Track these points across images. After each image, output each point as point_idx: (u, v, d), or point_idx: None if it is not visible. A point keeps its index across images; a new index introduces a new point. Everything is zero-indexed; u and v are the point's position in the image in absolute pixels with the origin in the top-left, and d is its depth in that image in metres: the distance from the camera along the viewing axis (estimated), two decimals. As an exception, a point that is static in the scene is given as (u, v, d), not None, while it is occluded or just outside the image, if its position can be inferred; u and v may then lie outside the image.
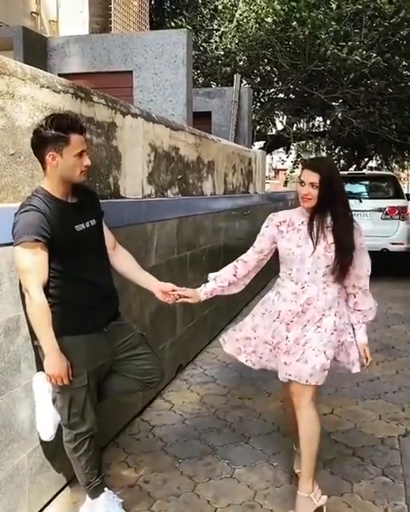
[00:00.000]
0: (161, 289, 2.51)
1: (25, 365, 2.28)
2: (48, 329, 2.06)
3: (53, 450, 2.45)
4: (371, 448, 3.08)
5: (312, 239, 2.40)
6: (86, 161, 2.15)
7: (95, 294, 2.24)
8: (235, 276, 2.53)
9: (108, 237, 2.42)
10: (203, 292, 2.53)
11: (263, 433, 3.27)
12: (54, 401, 2.23)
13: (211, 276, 2.58)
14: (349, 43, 10.12)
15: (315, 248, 2.39)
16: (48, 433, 2.27)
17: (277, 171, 27.50)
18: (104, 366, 2.31)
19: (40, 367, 2.24)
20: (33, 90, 2.37)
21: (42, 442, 2.37)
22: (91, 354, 2.21)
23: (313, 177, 2.35)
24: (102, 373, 2.32)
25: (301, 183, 2.40)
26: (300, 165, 3.01)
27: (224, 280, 2.53)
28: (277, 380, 4.00)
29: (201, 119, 7.58)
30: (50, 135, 2.04)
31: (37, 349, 2.25)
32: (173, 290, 2.51)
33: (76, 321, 2.18)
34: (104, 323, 2.28)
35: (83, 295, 2.20)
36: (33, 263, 2.03)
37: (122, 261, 2.47)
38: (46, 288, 2.09)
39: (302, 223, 2.45)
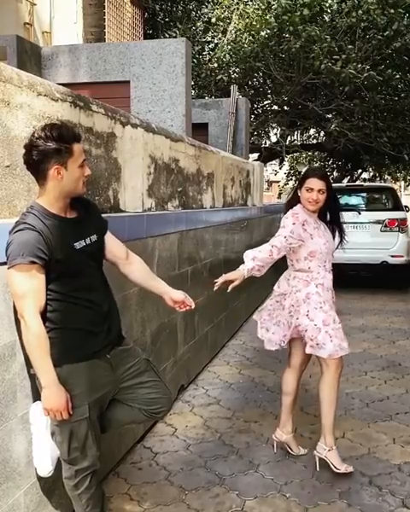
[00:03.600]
0: (172, 298, 2.34)
1: (21, 394, 2.09)
2: (45, 359, 1.87)
3: (51, 485, 2.27)
4: (388, 476, 2.90)
5: (329, 234, 2.96)
6: (87, 171, 2.00)
7: (96, 317, 2.06)
8: (271, 256, 2.73)
9: (119, 247, 2.25)
10: (246, 269, 2.70)
11: (273, 460, 3.08)
12: (52, 434, 2.05)
13: (248, 255, 2.73)
14: (343, 57, 10.07)
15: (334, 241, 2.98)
16: (46, 469, 2.08)
17: (270, 182, 27.41)
18: (107, 395, 2.13)
19: (37, 396, 2.06)
20: (30, 98, 2.21)
21: (39, 477, 2.18)
22: (93, 383, 2.03)
23: (321, 185, 2.85)
24: (104, 403, 2.14)
25: (309, 189, 2.85)
26: (302, 174, 3.09)
27: (261, 260, 2.72)
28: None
29: (197, 131, 7.44)
30: (53, 147, 1.86)
31: (32, 377, 2.07)
32: (183, 303, 2.33)
33: (76, 347, 2.00)
34: (107, 349, 2.10)
35: (83, 319, 2.02)
36: (29, 287, 1.85)
37: (137, 270, 2.30)
38: (43, 312, 1.91)
39: (314, 221, 2.90)
